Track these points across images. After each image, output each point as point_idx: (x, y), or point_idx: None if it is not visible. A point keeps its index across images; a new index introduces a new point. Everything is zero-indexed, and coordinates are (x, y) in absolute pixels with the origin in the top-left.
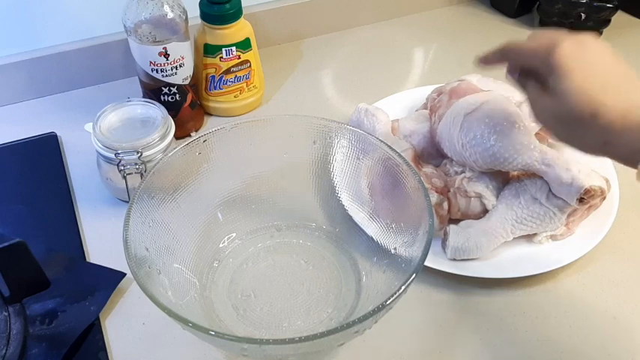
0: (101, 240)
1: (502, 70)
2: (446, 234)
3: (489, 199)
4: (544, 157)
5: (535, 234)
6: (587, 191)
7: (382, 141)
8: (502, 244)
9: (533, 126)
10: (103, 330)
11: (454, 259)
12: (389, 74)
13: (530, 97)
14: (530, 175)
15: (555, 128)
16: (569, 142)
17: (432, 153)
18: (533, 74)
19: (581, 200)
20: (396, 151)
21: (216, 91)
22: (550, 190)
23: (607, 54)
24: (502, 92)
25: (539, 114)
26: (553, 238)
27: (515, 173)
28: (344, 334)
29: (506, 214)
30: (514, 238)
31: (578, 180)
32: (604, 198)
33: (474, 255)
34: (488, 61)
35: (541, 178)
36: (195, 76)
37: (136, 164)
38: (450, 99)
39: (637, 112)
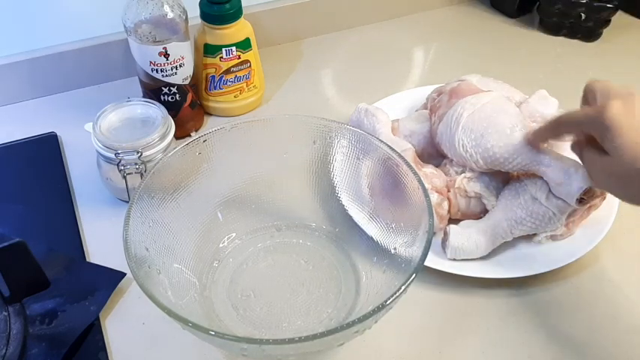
0: (101, 240)
1: (502, 70)
2: (446, 234)
3: (489, 199)
4: (544, 158)
5: (535, 234)
6: (586, 191)
7: (382, 141)
8: (502, 244)
9: (534, 126)
10: (103, 330)
11: (454, 259)
12: (389, 74)
13: (588, 164)
14: (530, 175)
15: (617, 188)
16: (634, 199)
17: (432, 153)
18: (588, 142)
19: (580, 200)
20: (396, 151)
21: (216, 91)
22: (550, 190)
23: None
24: (502, 92)
25: (599, 179)
26: (553, 238)
27: (515, 173)
28: (344, 334)
29: (506, 214)
30: (514, 238)
31: (577, 180)
32: (604, 198)
33: (474, 255)
34: (539, 139)
35: (541, 178)
36: (195, 76)
37: (136, 164)
38: (450, 99)
39: None
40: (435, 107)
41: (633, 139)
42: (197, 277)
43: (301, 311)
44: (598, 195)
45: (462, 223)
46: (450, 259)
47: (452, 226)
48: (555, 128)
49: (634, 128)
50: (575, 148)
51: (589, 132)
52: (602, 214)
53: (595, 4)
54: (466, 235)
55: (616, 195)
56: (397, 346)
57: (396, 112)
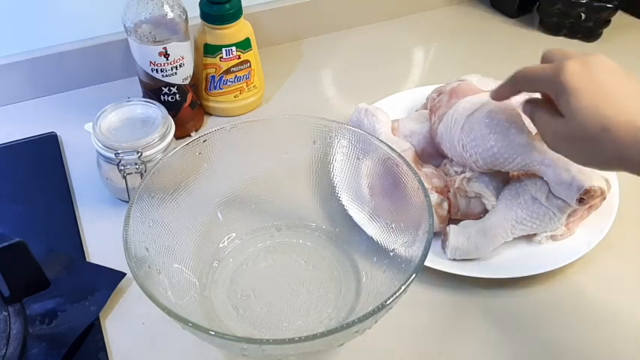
0: (101, 240)
1: (502, 70)
2: (446, 234)
3: (489, 199)
4: (544, 158)
5: (535, 234)
6: (586, 191)
7: (382, 141)
8: (502, 244)
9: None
10: (102, 330)
11: (454, 259)
12: (389, 74)
13: (540, 124)
14: (530, 175)
15: (569, 150)
16: (585, 162)
17: (432, 153)
18: (541, 102)
19: (580, 200)
20: (396, 151)
21: (216, 91)
22: (550, 190)
23: (614, 71)
24: None
25: (551, 140)
26: (553, 238)
27: (515, 173)
28: (344, 334)
29: (506, 214)
30: (514, 238)
31: (577, 180)
32: (604, 198)
33: (474, 255)
34: (502, 94)
35: (541, 178)
36: (195, 76)
37: (136, 164)
38: (450, 99)
39: None
40: (435, 107)
41: (588, 102)
42: (197, 277)
43: (301, 311)
44: (598, 195)
45: (462, 223)
46: (450, 259)
47: (452, 226)
48: (514, 84)
49: (590, 91)
50: (526, 107)
51: (545, 91)
52: (602, 214)
53: (595, 4)
54: (466, 235)
55: (568, 157)
56: (397, 346)
57: (396, 112)
